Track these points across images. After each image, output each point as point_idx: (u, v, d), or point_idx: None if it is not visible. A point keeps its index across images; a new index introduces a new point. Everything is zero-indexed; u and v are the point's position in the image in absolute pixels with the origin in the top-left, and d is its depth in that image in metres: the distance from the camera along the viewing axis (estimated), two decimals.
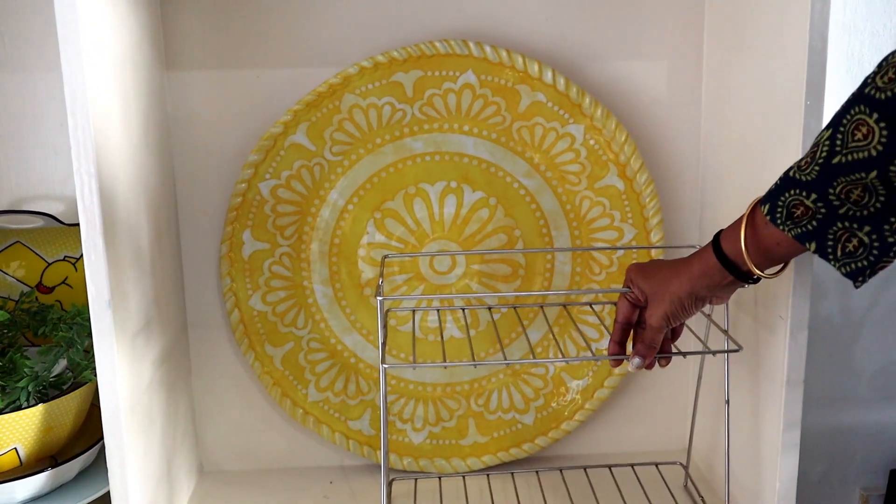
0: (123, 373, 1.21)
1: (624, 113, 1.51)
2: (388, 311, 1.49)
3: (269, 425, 1.60)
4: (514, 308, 1.50)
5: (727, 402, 1.36)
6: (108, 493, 1.26)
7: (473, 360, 1.39)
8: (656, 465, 1.56)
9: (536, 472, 1.56)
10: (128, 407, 1.23)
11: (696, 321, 1.52)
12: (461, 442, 1.58)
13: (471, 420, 1.57)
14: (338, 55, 1.47)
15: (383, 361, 1.26)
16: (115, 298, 1.17)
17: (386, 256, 1.46)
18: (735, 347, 1.31)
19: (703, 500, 1.48)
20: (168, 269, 1.45)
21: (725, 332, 1.32)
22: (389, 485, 1.52)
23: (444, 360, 1.43)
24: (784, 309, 1.25)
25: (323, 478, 1.59)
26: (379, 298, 1.26)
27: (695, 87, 1.52)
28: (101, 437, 1.40)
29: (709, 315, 1.37)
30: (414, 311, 1.46)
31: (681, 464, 1.57)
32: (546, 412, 1.58)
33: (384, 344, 1.29)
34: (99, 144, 1.13)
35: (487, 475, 1.57)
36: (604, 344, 1.56)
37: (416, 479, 1.55)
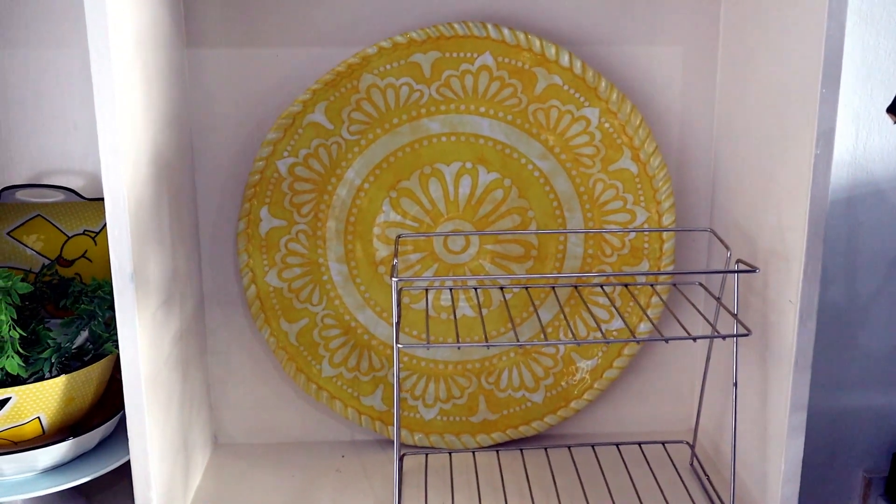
0: (144, 346, 1.23)
1: (638, 97, 1.53)
2: (401, 290, 1.51)
3: (283, 400, 1.62)
4: (526, 288, 1.51)
5: (735, 384, 1.37)
6: (128, 462, 1.28)
7: (486, 340, 1.41)
8: (663, 443, 1.58)
9: (545, 448, 1.58)
10: (148, 379, 1.25)
11: (704, 304, 1.53)
12: (471, 419, 1.59)
13: (481, 397, 1.59)
14: (357, 35, 1.49)
15: (398, 341, 1.28)
16: (136, 273, 1.20)
17: (400, 236, 1.47)
18: (744, 331, 1.32)
19: (708, 479, 1.49)
20: (187, 245, 1.47)
21: (735, 315, 1.33)
22: (401, 459, 1.53)
23: (458, 340, 1.44)
24: (794, 294, 1.26)
25: (335, 452, 1.61)
26: (394, 280, 1.28)
27: (710, 73, 1.53)
28: (121, 409, 1.42)
29: (718, 298, 1.38)
30: (427, 289, 1.48)
31: (687, 443, 1.58)
32: (556, 391, 1.60)
33: (398, 323, 1.30)
34: (122, 121, 1.15)
35: (497, 451, 1.59)
36: (614, 325, 1.57)
37: (426, 455, 1.56)
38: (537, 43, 1.46)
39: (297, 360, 1.57)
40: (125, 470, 1.32)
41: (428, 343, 1.27)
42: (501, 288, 1.52)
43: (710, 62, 1.53)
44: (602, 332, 1.39)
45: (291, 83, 1.51)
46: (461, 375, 1.58)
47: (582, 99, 1.49)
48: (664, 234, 1.53)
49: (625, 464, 1.51)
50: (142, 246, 1.23)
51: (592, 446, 1.57)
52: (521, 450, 1.58)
